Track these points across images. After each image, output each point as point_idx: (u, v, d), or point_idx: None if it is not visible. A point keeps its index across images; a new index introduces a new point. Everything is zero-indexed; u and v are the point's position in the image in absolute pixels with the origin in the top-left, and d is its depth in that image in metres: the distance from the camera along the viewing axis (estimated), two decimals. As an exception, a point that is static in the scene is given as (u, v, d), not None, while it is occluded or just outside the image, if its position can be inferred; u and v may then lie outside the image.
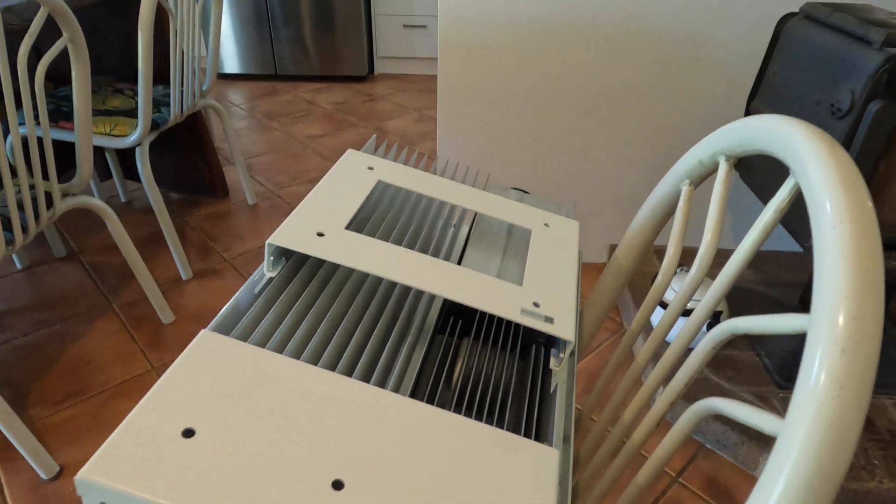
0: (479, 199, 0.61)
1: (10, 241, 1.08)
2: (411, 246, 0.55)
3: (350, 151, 0.65)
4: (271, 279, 0.50)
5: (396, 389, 0.44)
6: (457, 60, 1.50)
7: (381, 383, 0.43)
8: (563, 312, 0.49)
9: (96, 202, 1.29)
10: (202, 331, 0.41)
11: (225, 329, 0.43)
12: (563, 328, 0.48)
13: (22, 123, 1.53)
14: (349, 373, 0.43)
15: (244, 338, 0.42)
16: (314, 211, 0.53)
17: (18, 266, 1.71)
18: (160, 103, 1.62)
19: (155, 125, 1.55)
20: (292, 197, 2.12)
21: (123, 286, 1.64)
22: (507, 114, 1.56)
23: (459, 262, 0.55)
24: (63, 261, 1.74)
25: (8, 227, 1.08)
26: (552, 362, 0.49)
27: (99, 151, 2.05)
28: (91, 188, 2.07)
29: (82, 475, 0.31)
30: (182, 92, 1.61)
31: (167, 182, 2.09)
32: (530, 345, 0.53)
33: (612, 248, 1.74)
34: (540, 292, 0.51)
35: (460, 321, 0.53)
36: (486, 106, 1.56)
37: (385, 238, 0.55)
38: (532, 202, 0.69)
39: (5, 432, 1.08)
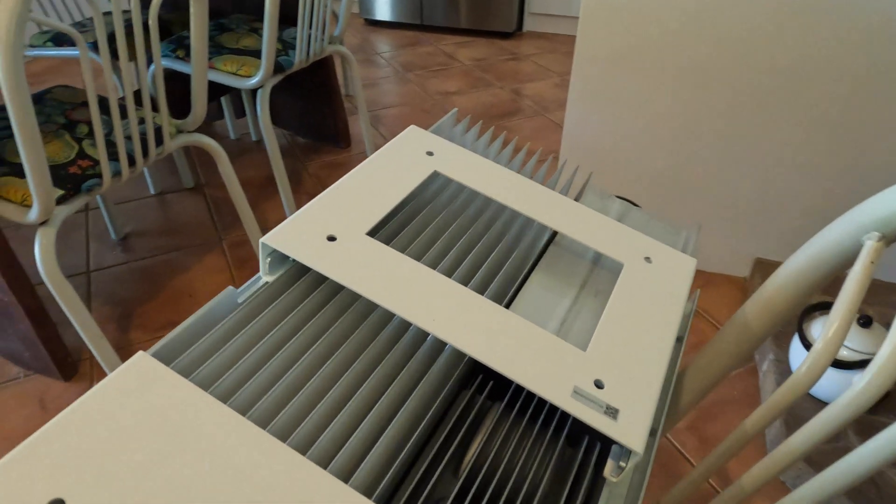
0: (564, 212, 0.46)
1: (117, 173, 1.11)
2: (453, 269, 0.42)
3: (412, 129, 0.52)
4: (266, 284, 0.40)
5: (378, 480, 0.32)
6: (600, 19, 1.29)
7: (358, 461, 0.32)
8: (637, 403, 0.34)
9: (207, 141, 1.30)
10: (139, 353, 0.32)
11: (173, 350, 0.34)
12: (630, 430, 0.33)
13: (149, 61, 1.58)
14: (312, 440, 0.32)
15: (188, 371, 0.33)
16: (336, 204, 0.42)
17: (151, 191, 1.81)
18: (289, 46, 1.59)
19: (279, 68, 1.53)
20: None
21: (236, 225, 1.68)
22: (651, 89, 1.33)
23: (511, 301, 0.41)
24: (189, 192, 1.82)
25: (115, 158, 1.10)
26: (608, 468, 0.35)
27: (235, 89, 2.11)
28: (227, 125, 2.14)
29: None
30: (310, 36, 1.57)
31: (294, 125, 2.11)
32: (581, 434, 0.38)
33: (757, 263, 1.47)
34: (610, 364, 0.36)
35: (491, 381, 0.40)
36: (626, 77, 1.34)
37: (419, 254, 0.42)
38: (638, 221, 0.52)
39: (96, 356, 1.13)
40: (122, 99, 1.32)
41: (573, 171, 0.58)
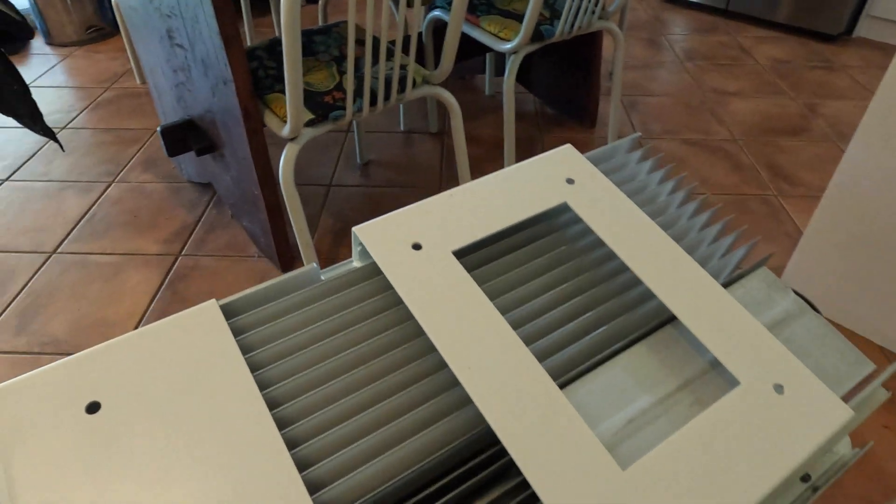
0: (697, 294, 0.39)
1: (358, 110, 1.23)
2: (528, 319, 0.38)
3: (566, 148, 0.48)
4: (350, 270, 0.41)
5: (354, 499, 0.32)
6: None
7: (340, 475, 0.32)
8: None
9: (446, 96, 1.36)
10: (211, 301, 0.36)
11: (242, 306, 0.37)
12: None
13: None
14: (308, 436, 0.33)
15: (242, 329, 0.36)
16: (443, 210, 0.41)
17: (401, 128, 1.99)
18: (556, 16, 1.56)
19: (539, 36, 1.51)
20: (650, 150, 1.89)
21: (434, 184, 1.77)
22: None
23: (578, 378, 0.36)
24: (431, 136, 1.95)
25: (360, 96, 1.22)
26: None
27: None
28: (485, 80, 2.22)
29: None
30: (578, 8, 1.52)
31: (545, 94, 2.10)
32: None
33: None
34: (650, 499, 0.30)
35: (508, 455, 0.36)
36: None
37: (497, 292, 0.39)
38: (802, 333, 0.41)
39: (302, 258, 1.32)
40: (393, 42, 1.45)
41: (749, 244, 0.48)
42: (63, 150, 1.80)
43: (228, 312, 0.37)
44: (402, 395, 0.35)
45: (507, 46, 1.50)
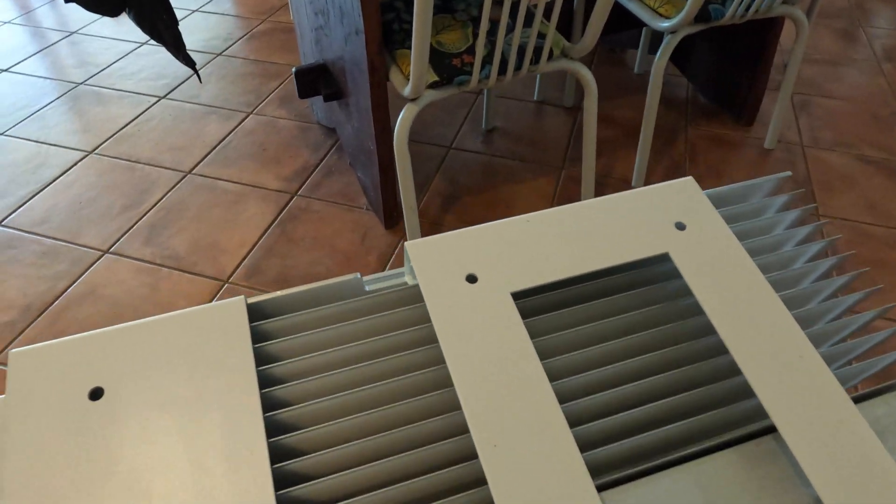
0: (811, 402, 0.30)
1: (485, 77, 1.16)
2: (582, 391, 0.31)
3: (687, 182, 0.39)
4: (399, 287, 0.37)
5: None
6: None
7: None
8: None
9: (583, 72, 1.25)
10: (240, 297, 0.33)
11: (275, 308, 0.34)
12: None
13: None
14: (296, 475, 0.29)
15: (266, 337, 0.33)
16: (517, 237, 0.35)
17: (534, 97, 1.89)
18: (730, -6, 1.37)
19: (704, 17, 1.34)
20: (814, 162, 1.64)
21: (556, 162, 1.65)
22: None
23: (625, 482, 0.29)
24: (565, 110, 1.83)
25: (491, 63, 1.15)
26: None
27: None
28: (636, 57, 2.03)
29: None
30: (760, -11, 1.31)
31: (700, 81, 1.88)
32: None
33: None
34: None
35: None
36: None
37: (553, 350, 0.32)
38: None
39: (404, 219, 1.30)
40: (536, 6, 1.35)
41: None
42: (200, 82, 1.92)
43: (256, 313, 0.34)
44: (415, 454, 0.30)
45: (665, 24, 1.34)
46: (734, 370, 0.34)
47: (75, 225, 1.45)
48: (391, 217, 1.42)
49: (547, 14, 1.53)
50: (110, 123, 1.77)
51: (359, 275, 0.37)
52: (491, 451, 0.27)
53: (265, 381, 0.31)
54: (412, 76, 1.07)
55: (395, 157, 1.20)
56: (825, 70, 2.06)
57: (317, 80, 1.44)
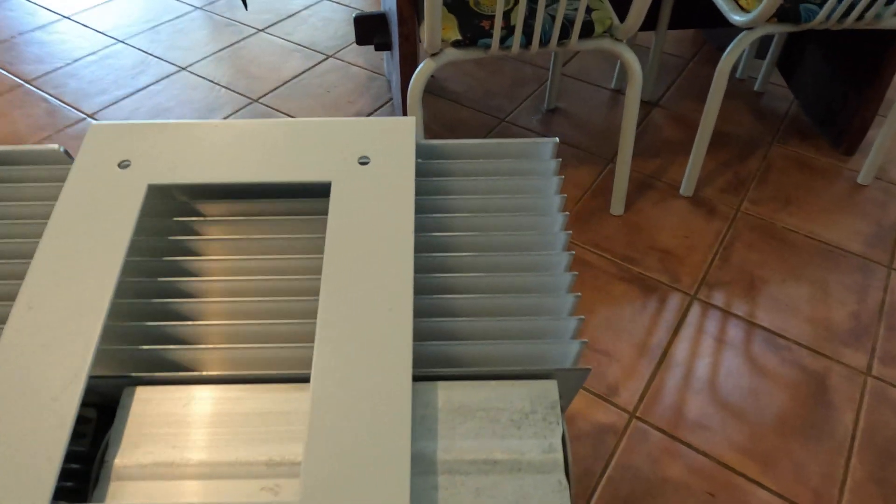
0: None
1: (523, 45, 1.12)
2: (129, 293, 0.31)
3: (408, 120, 0.36)
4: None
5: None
6: None
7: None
8: None
9: (627, 55, 1.16)
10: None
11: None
12: None
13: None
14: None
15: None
16: (205, 137, 0.35)
17: (612, 84, 1.77)
18: (832, -5, 1.19)
19: (791, 16, 1.17)
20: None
21: (636, 157, 1.54)
22: None
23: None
24: (643, 104, 1.71)
25: (528, 32, 1.10)
26: None
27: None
28: (749, 62, 1.83)
29: None
30: (865, -8, 1.12)
31: (804, 95, 1.66)
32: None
33: None
34: None
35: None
36: None
37: (139, 250, 0.32)
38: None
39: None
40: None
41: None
42: (246, 9, 2.01)
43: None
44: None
45: (740, 18, 1.19)
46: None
47: (148, 128, 1.62)
48: (414, 174, 1.42)
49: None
50: (208, 46, 1.93)
51: (61, 147, 0.39)
52: (26, 313, 0.28)
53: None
54: (426, 30, 1.06)
55: (409, 107, 1.20)
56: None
57: (374, 29, 1.47)
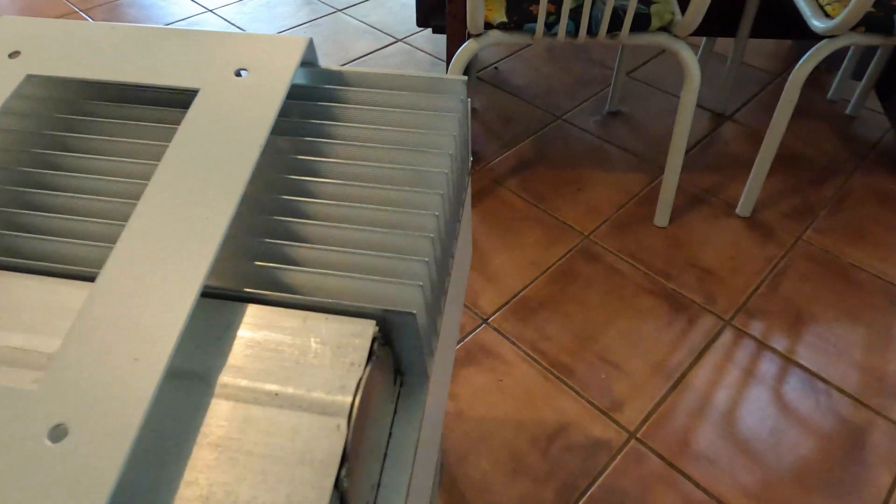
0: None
1: (570, 33, 1.07)
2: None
3: (307, 39, 0.34)
4: None
5: None
6: None
7: None
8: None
9: (684, 53, 1.08)
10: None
11: None
12: None
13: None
14: None
15: None
16: (95, 36, 0.34)
17: (684, 93, 1.67)
18: (936, 6, 1.05)
19: (883, 27, 1.05)
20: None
21: (663, 162, 1.43)
22: None
23: None
24: (713, 115, 1.59)
25: (576, 19, 1.05)
26: None
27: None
28: (834, 79, 1.67)
29: None
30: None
31: (909, 126, 1.48)
32: None
33: None
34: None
35: None
36: None
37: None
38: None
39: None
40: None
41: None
42: None
43: None
44: None
45: (821, 24, 1.08)
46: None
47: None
48: (454, 160, 1.40)
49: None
50: (287, 21, 2.00)
51: None
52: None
53: None
54: (468, 10, 1.03)
55: (447, 91, 1.18)
56: None
57: (434, 11, 1.45)
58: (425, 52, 1.84)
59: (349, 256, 0.29)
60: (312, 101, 0.35)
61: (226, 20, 2.00)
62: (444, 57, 1.80)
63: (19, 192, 0.31)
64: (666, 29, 1.08)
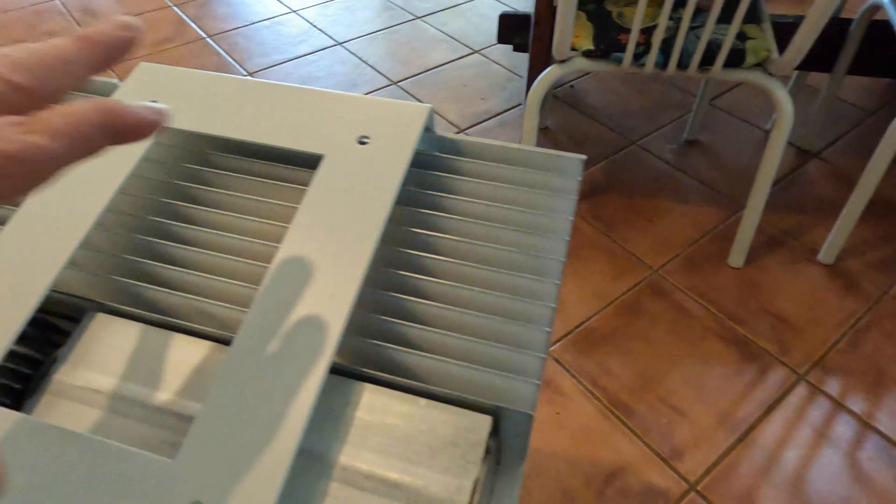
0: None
1: (659, 65, 1.04)
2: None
3: (425, 107, 0.34)
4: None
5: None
6: None
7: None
8: None
9: (778, 93, 1.03)
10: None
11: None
12: None
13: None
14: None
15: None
16: (228, 91, 0.36)
17: (767, 126, 1.60)
18: None
19: None
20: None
21: (742, 198, 1.37)
22: None
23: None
24: (799, 151, 1.52)
25: (667, 51, 1.02)
26: None
27: None
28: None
29: None
30: None
31: None
32: None
33: None
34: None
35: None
36: None
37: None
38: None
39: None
40: None
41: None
42: None
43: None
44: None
45: (933, 71, 1.01)
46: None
47: (294, 93, 1.74)
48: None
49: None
50: (366, 26, 2.03)
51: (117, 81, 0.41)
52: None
53: None
54: (555, 35, 1.02)
55: (525, 111, 1.16)
56: None
57: (516, 28, 1.45)
58: (501, 66, 1.83)
59: (463, 342, 0.29)
60: (427, 170, 0.35)
61: (309, 22, 2.05)
62: (522, 73, 1.78)
63: (148, 242, 0.33)
64: (761, 65, 1.04)
